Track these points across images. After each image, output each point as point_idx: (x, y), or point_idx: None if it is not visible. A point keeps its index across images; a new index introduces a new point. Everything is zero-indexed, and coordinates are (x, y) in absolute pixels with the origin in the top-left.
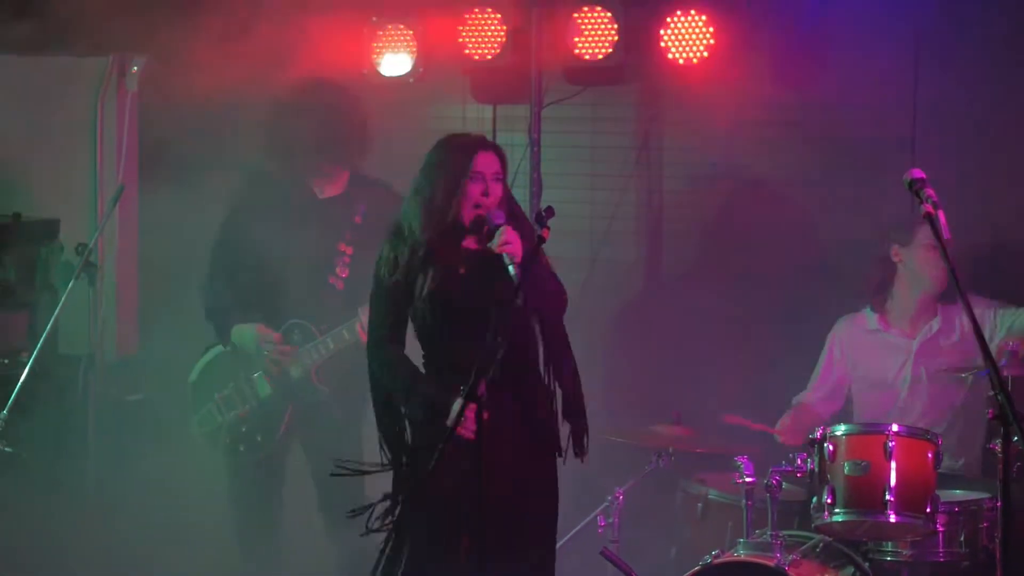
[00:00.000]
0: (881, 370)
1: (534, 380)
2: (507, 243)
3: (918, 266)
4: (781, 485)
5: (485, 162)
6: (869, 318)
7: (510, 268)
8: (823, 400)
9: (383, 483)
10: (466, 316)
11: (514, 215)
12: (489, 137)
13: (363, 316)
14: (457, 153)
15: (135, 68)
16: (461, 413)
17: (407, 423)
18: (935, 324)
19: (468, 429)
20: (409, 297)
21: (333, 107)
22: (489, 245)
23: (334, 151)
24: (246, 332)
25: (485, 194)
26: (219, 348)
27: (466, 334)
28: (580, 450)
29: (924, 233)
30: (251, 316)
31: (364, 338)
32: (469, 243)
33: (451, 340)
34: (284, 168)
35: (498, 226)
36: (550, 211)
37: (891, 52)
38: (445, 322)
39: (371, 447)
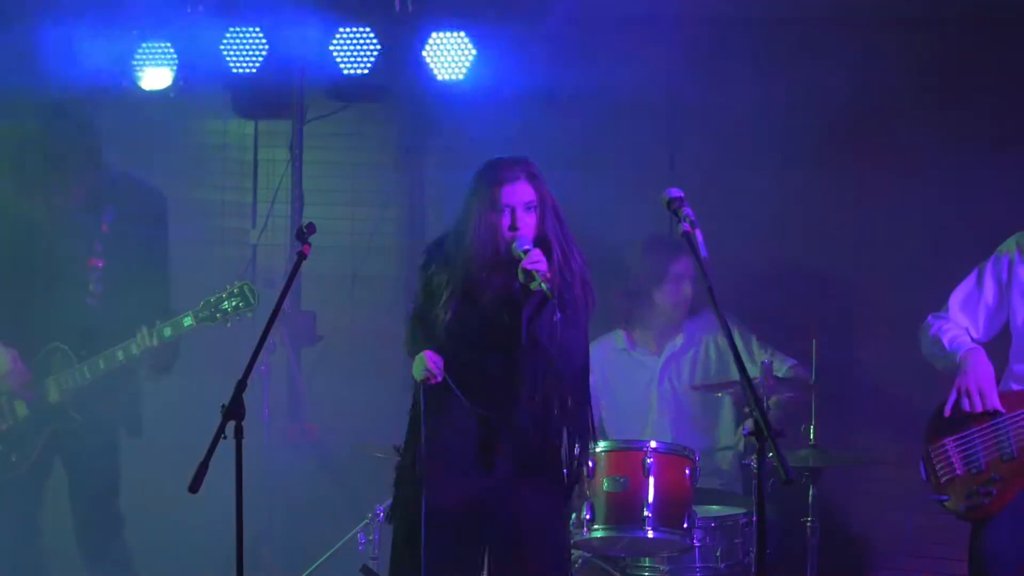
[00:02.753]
0: (630, 389)
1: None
2: (535, 262)
3: (663, 298)
4: None
5: (513, 193)
6: (618, 337)
7: (543, 286)
8: None
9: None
10: (479, 351)
11: (549, 240)
12: (250, 153)
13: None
14: (484, 185)
15: None
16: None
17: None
18: (679, 340)
19: (432, 376)
20: (435, 324)
21: (60, 128)
22: (520, 268)
23: (65, 169)
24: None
25: (513, 228)
26: None
27: (476, 370)
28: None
29: (672, 268)
30: (15, 338)
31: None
32: (498, 277)
33: (462, 373)
34: (21, 190)
35: (525, 251)
36: (311, 227)
37: (645, 65)
38: (457, 355)
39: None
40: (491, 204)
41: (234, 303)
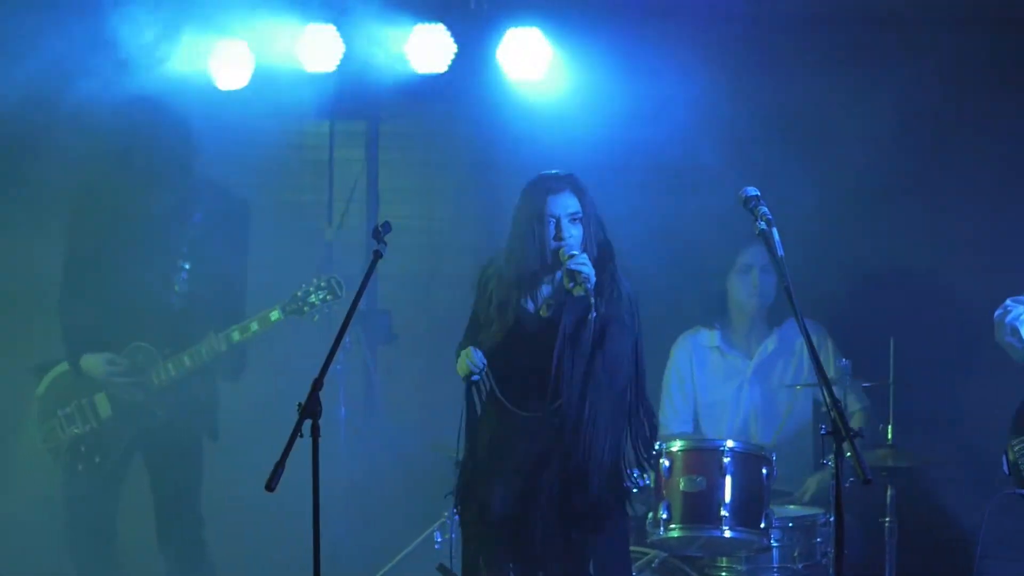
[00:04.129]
0: (720, 389)
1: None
2: (581, 264)
3: (735, 290)
4: None
5: (557, 204)
6: (710, 336)
7: (585, 287)
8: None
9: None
10: (525, 358)
11: (593, 250)
12: (326, 152)
13: (212, 338)
14: (530, 197)
15: None
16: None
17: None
18: (770, 345)
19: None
20: (486, 332)
21: (153, 127)
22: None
23: (158, 170)
24: (93, 363)
25: (558, 237)
26: (66, 364)
27: (523, 376)
28: None
29: (738, 258)
30: (100, 344)
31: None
32: (546, 285)
33: (509, 380)
34: (113, 187)
35: (573, 254)
36: (387, 226)
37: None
38: (506, 361)
39: (212, 473)
40: (537, 215)
41: (321, 295)
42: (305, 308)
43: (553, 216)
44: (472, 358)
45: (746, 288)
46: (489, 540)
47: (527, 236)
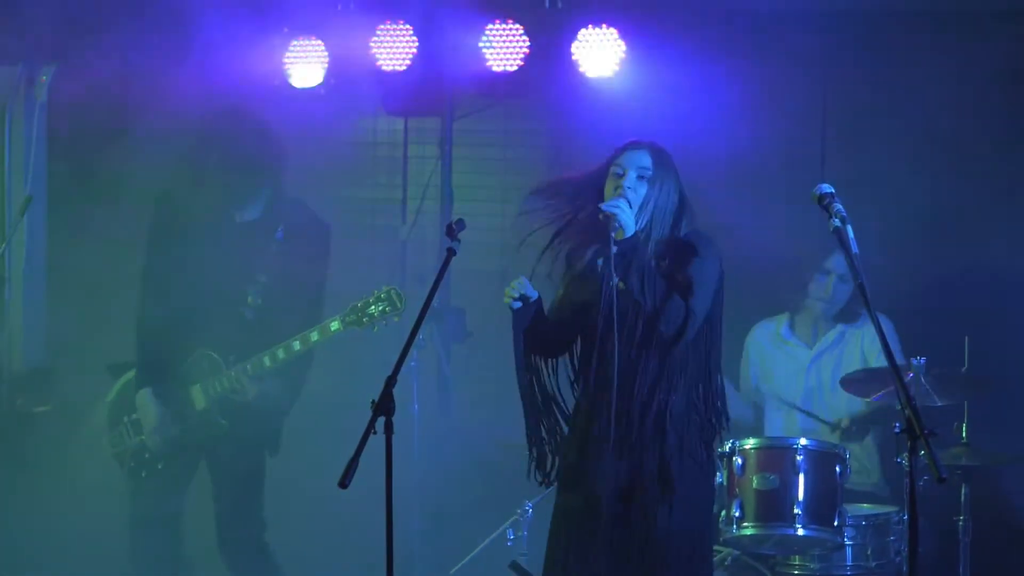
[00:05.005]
0: (781, 378)
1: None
2: (614, 206)
3: (812, 290)
4: None
5: (631, 158)
6: (780, 322)
7: (615, 228)
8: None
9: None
10: (573, 324)
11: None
12: (400, 150)
13: (274, 348)
14: (614, 155)
15: (44, 78)
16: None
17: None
18: (832, 335)
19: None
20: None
21: (246, 137)
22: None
23: (248, 181)
24: (147, 407)
25: (618, 188)
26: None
27: (574, 342)
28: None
29: (823, 262)
30: (170, 350)
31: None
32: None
33: (584, 351)
34: (199, 195)
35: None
36: (461, 223)
37: (800, 65)
38: (561, 327)
39: (274, 479)
40: (613, 169)
41: (381, 307)
42: (364, 320)
43: (622, 166)
44: (515, 282)
45: (820, 290)
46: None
47: (604, 192)
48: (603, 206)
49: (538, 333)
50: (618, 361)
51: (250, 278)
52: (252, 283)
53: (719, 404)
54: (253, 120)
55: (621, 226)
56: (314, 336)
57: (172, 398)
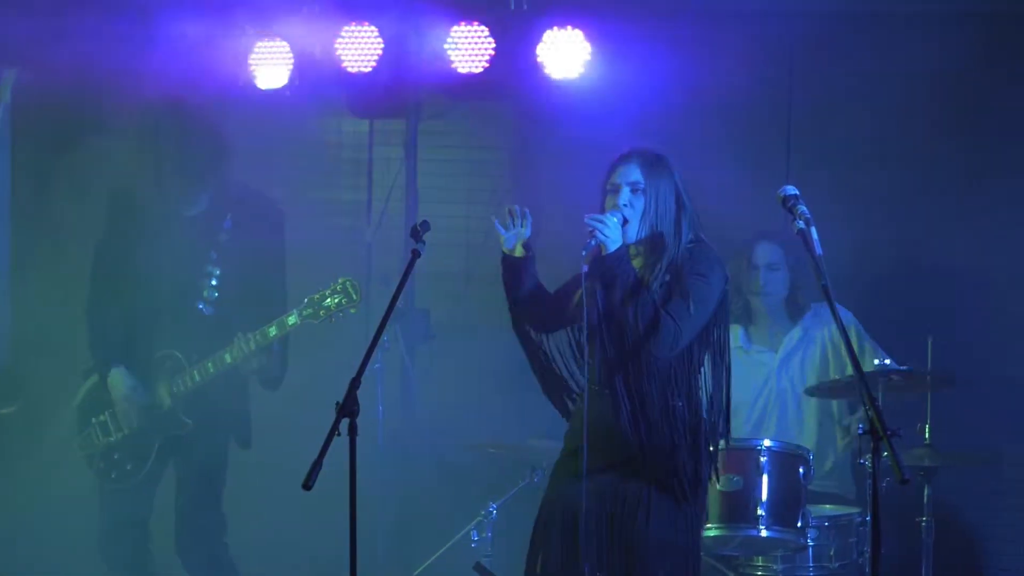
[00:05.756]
0: (747, 388)
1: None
2: (598, 220)
3: (746, 287)
4: None
5: (622, 173)
6: (735, 335)
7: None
8: None
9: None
10: (563, 315)
11: (653, 226)
12: (365, 152)
13: (235, 343)
14: (607, 170)
15: (7, 79)
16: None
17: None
18: (796, 334)
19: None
20: None
21: (190, 128)
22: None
23: (193, 171)
24: (117, 381)
25: (614, 205)
26: (97, 377)
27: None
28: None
29: (749, 255)
30: (129, 353)
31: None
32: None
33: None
34: (152, 185)
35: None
36: (425, 225)
37: (768, 66)
38: (555, 312)
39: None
40: (608, 187)
41: (337, 299)
42: (321, 312)
43: (615, 184)
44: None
45: (753, 286)
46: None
47: (598, 206)
48: (587, 219)
49: (530, 299)
50: (600, 369)
51: (204, 272)
52: (207, 277)
53: (715, 420)
54: (198, 112)
55: (602, 241)
56: (272, 331)
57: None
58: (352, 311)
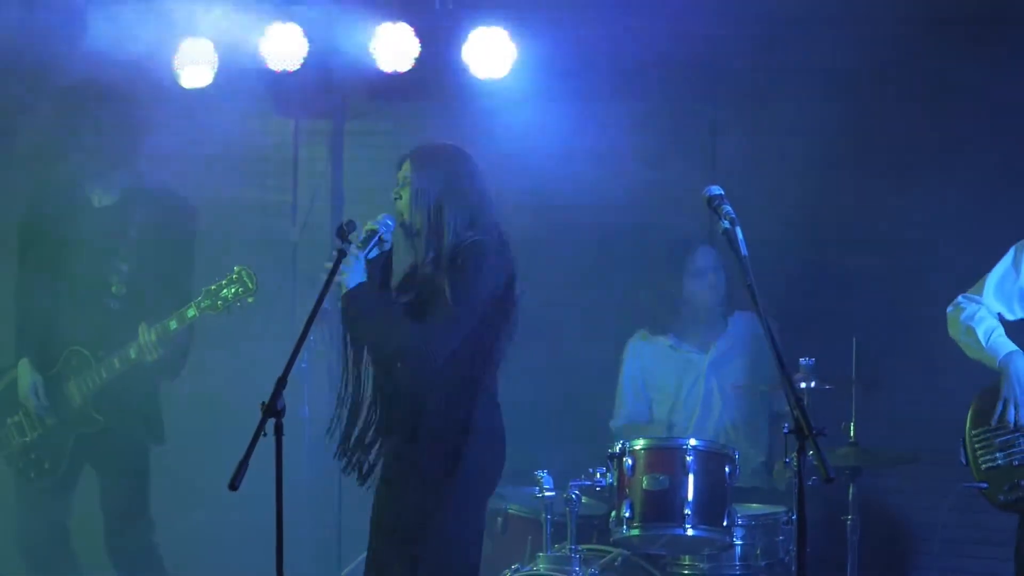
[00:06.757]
0: (679, 387)
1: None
2: (377, 221)
3: (689, 292)
4: (581, 499)
5: (399, 178)
6: (663, 339)
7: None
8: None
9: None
10: None
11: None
12: (290, 151)
13: (142, 334)
14: None
15: None
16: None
17: None
18: (726, 341)
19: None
20: None
21: (109, 110)
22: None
23: (109, 153)
24: (24, 378)
25: (397, 197)
26: (14, 371)
27: None
28: None
29: (691, 261)
30: (42, 348)
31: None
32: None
33: None
34: (64, 168)
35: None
36: (351, 225)
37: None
38: None
39: (163, 480)
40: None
41: (234, 290)
42: (219, 303)
43: (396, 191)
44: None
45: (702, 290)
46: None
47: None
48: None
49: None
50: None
51: (112, 266)
52: (115, 271)
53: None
54: (117, 95)
55: (341, 281)
56: (172, 324)
57: (49, 388)
58: (250, 300)
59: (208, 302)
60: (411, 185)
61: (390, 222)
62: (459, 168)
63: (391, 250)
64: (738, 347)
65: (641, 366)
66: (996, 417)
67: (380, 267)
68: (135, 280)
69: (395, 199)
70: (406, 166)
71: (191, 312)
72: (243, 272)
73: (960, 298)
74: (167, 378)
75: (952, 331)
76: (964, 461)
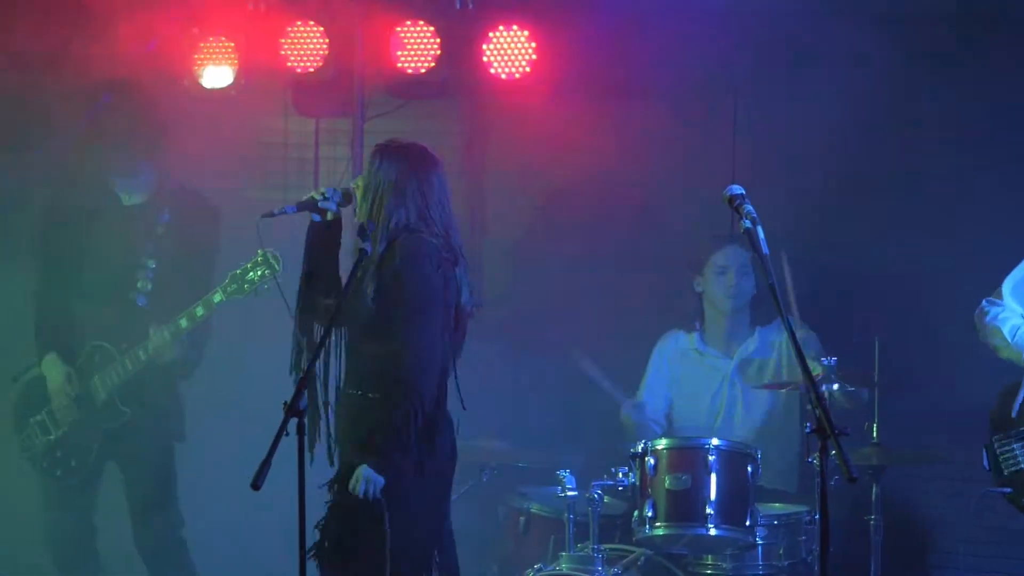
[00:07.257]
0: (703, 391)
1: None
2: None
3: (710, 291)
4: (603, 498)
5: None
6: (690, 337)
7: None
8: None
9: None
10: None
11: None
12: (311, 151)
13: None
14: None
15: None
16: None
17: None
18: (752, 344)
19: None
20: None
21: (134, 104)
22: None
23: (134, 149)
24: (54, 370)
25: (356, 187)
26: (37, 370)
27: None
28: None
29: (714, 259)
30: (65, 343)
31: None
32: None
33: None
34: (90, 163)
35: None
36: (372, 225)
37: (713, 64)
38: None
39: (184, 464)
40: None
41: (259, 272)
42: (245, 287)
43: None
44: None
45: (722, 289)
46: None
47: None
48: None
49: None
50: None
51: (139, 263)
52: (141, 268)
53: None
54: (141, 93)
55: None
56: (199, 311)
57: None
58: (276, 280)
59: (234, 286)
60: (363, 178)
61: (332, 195)
62: (414, 168)
63: (337, 223)
64: (764, 351)
65: (668, 365)
66: (1016, 408)
67: (317, 233)
68: (161, 277)
69: (354, 188)
70: (367, 163)
71: (217, 297)
72: (267, 254)
73: (984, 302)
74: (182, 377)
75: (981, 335)
76: (987, 467)
